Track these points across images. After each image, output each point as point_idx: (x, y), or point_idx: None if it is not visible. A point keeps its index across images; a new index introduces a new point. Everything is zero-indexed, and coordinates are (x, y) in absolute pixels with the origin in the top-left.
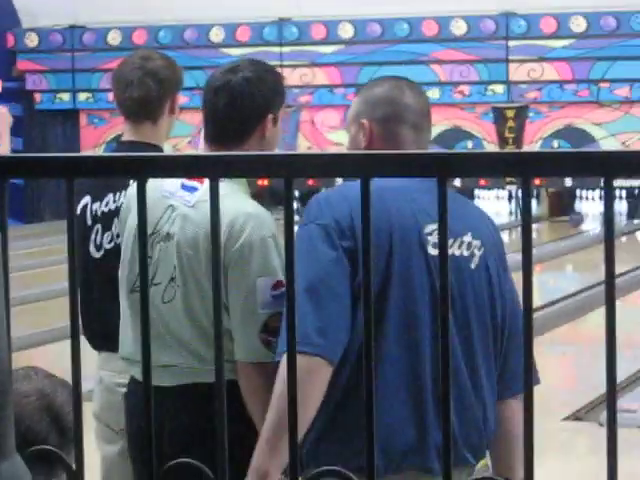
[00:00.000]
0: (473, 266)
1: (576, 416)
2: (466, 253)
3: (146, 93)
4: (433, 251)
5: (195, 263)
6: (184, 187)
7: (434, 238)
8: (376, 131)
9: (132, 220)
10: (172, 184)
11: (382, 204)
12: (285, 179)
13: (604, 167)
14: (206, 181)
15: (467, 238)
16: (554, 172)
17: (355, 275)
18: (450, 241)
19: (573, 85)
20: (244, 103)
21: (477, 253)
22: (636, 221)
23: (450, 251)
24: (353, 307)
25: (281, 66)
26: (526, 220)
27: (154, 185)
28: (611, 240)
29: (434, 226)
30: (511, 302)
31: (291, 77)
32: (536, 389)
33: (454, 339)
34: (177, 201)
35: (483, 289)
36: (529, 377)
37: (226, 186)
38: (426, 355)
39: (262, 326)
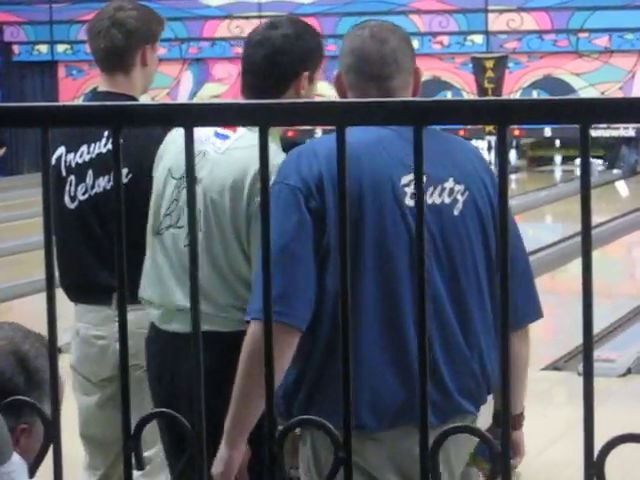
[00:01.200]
0: (456, 212)
1: (555, 366)
2: (447, 200)
3: (112, 44)
4: (411, 202)
5: (220, 210)
6: (217, 134)
7: (412, 189)
8: (345, 81)
9: (165, 163)
10: (206, 130)
11: (353, 160)
12: (260, 127)
13: (579, 114)
14: (239, 129)
15: (448, 184)
16: (530, 119)
17: (322, 235)
18: (430, 189)
19: (552, 35)
20: (282, 59)
21: (460, 198)
22: (615, 171)
23: (430, 200)
24: (321, 268)
25: (260, 17)
26: (502, 167)
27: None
28: (587, 188)
29: (411, 176)
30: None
31: None
32: None
33: (440, 289)
34: (209, 147)
35: (471, 234)
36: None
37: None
38: (407, 309)
39: None
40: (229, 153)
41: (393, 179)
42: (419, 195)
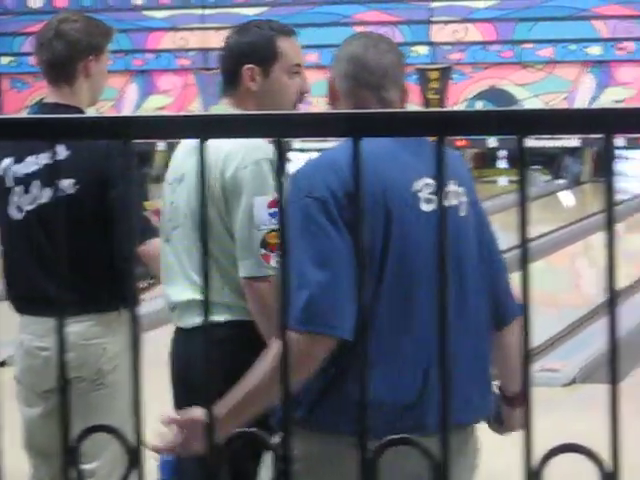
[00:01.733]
0: (463, 214)
1: None
2: (454, 202)
3: (53, 55)
4: (425, 207)
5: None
6: None
7: (424, 194)
8: (341, 89)
9: (169, 171)
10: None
11: (370, 167)
12: (200, 139)
13: (517, 125)
14: None
15: (452, 187)
16: (469, 131)
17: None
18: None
19: (496, 46)
20: (223, 56)
21: (463, 200)
22: (559, 181)
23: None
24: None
25: (204, 29)
26: (439, 181)
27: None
28: (524, 202)
29: (422, 181)
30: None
31: (214, 39)
32: None
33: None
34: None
35: (472, 235)
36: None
37: None
38: (424, 313)
39: (261, 242)
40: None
41: (407, 186)
42: (440, 204)
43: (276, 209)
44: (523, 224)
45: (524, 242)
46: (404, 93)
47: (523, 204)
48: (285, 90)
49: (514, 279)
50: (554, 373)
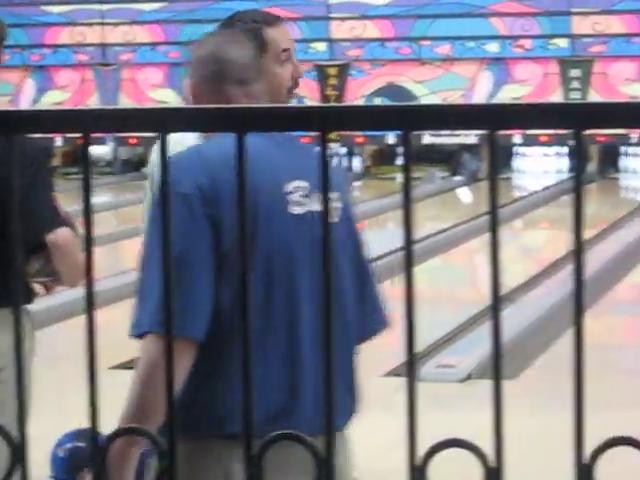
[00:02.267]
0: (335, 220)
1: (396, 372)
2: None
3: None
4: (296, 210)
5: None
6: None
7: (296, 197)
8: (204, 90)
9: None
10: (193, 137)
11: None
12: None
13: (403, 121)
14: None
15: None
16: (353, 126)
17: (218, 243)
18: (314, 196)
19: (395, 42)
20: None
21: (336, 206)
22: (457, 178)
23: (314, 207)
24: (216, 277)
25: (102, 24)
26: (324, 180)
27: (175, 140)
28: (408, 201)
29: (294, 184)
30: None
31: (112, 35)
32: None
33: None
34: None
35: (347, 240)
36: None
37: None
38: (300, 316)
39: None
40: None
41: (278, 187)
42: (325, 202)
43: None
44: (407, 222)
45: (408, 243)
46: (262, 85)
47: (407, 207)
48: (277, 80)
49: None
50: (450, 369)
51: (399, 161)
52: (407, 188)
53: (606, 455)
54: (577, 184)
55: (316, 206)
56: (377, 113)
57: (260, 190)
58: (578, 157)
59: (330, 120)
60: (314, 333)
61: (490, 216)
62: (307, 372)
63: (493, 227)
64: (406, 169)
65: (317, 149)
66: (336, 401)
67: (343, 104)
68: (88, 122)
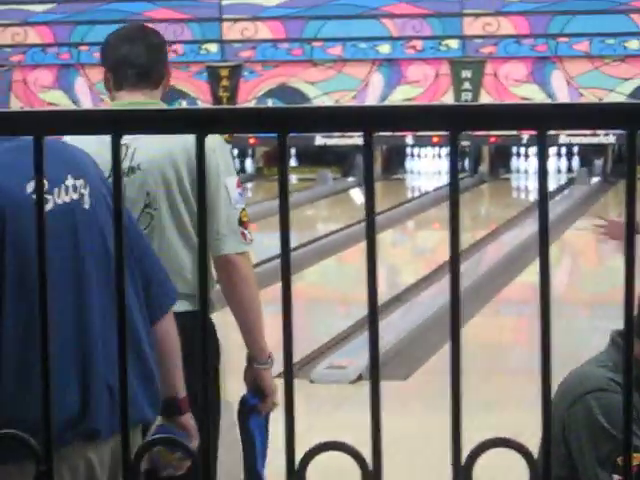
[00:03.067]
0: (87, 206)
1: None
2: (75, 196)
3: None
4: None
5: (169, 183)
6: None
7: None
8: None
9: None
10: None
11: None
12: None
13: (277, 122)
14: None
15: (69, 182)
16: (233, 129)
17: None
18: (55, 191)
19: (286, 44)
20: None
21: (85, 192)
22: (350, 179)
23: (60, 200)
24: None
25: None
26: (200, 176)
27: (88, 142)
28: (285, 205)
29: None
30: (130, 223)
31: (3, 36)
32: (244, 349)
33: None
34: (125, 140)
35: (103, 225)
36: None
37: None
38: (63, 319)
39: (238, 221)
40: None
41: (21, 188)
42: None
43: (241, 188)
44: (284, 229)
45: (285, 244)
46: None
47: (284, 209)
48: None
49: (306, 276)
50: (341, 370)
51: (291, 162)
52: (283, 191)
53: (489, 454)
54: (453, 186)
55: (65, 197)
56: (255, 115)
57: (3, 193)
58: (452, 159)
59: (209, 122)
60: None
61: (366, 220)
62: (98, 370)
63: (369, 232)
64: (282, 171)
65: (54, 140)
66: (131, 398)
67: (208, 106)
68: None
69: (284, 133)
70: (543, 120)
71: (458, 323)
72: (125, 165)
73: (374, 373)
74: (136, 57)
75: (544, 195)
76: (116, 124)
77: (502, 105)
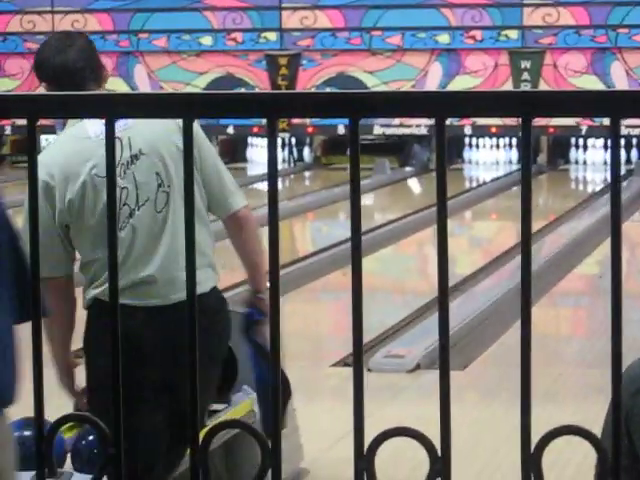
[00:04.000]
0: None
1: (345, 362)
2: None
3: None
4: None
5: (174, 160)
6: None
7: None
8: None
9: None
10: (93, 128)
11: None
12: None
13: (348, 108)
14: None
15: None
16: (299, 114)
17: None
18: None
19: (345, 33)
20: None
21: None
22: (407, 169)
23: None
24: None
25: (52, 12)
26: (271, 169)
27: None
28: (356, 194)
29: None
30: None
31: (63, 23)
32: (308, 335)
33: None
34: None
35: None
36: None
37: None
38: None
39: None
40: (137, 122)
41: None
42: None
43: None
44: (355, 220)
45: (356, 235)
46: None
47: (355, 195)
48: None
49: (364, 265)
50: (399, 359)
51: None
52: (355, 183)
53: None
54: (525, 170)
55: None
56: (326, 100)
57: None
58: (524, 144)
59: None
60: None
61: (437, 205)
62: None
63: (440, 217)
64: (353, 159)
65: None
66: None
67: (284, 92)
68: (35, 107)
69: (356, 118)
70: (617, 107)
71: (529, 306)
72: (126, 155)
73: (444, 360)
74: (74, 63)
75: (617, 190)
76: (190, 107)
77: (575, 92)
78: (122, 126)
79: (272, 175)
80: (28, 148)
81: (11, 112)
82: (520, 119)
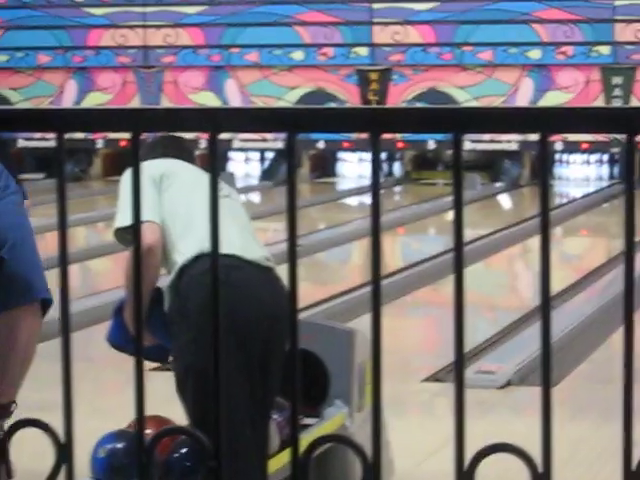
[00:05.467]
0: None
1: (436, 377)
2: None
3: None
4: None
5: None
6: None
7: None
8: None
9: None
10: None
11: None
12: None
13: (452, 123)
14: None
15: None
16: (403, 128)
17: None
18: None
19: (437, 48)
20: None
21: None
22: (498, 184)
23: None
24: None
25: (144, 26)
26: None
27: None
28: (459, 208)
29: None
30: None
31: (154, 38)
32: (397, 351)
33: None
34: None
35: None
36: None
37: None
38: None
39: None
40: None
41: None
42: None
43: None
44: (458, 226)
45: (459, 244)
46: None
47: (458, 205)
48: None
49: (452, 280)
50: (490, 375)
51: (440, 167)
52: (458, 194)
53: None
54: (628, 183)
55: None
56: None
57: None
58: (628, 160)
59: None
60: None
61: (541, 219)
62: None
63: (544, 230)
64: (456, 175)
65: None
66: None
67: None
68: (139, 122)
69: (460, 133)
70: None
71: (631, 315)
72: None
73: (545, 374)
74: None
75: None
76: (296, 121)
77: None
78: None
79: (375, 192)
80: (133, 163)
81: (114, 126)
82: (616, 136)
